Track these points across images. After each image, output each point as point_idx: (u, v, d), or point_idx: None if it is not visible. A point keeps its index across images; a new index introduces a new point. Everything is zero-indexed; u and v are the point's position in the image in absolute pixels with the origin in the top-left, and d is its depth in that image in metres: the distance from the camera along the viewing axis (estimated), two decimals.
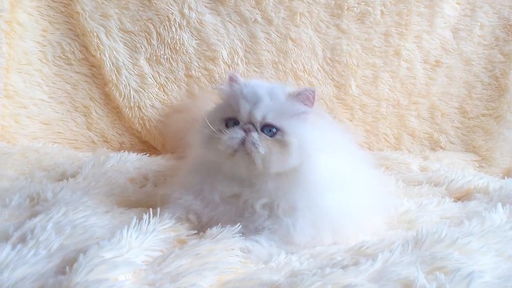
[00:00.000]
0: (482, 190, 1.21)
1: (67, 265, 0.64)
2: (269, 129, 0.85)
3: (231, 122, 0.88)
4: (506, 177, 1.43)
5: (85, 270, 0.61)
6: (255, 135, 0.84)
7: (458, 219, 1.00)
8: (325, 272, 0.68)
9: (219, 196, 0.87)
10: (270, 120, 0.85)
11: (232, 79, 0.92)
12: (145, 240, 0.73)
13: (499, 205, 1.00)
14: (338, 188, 0.88)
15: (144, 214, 0.81)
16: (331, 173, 0.87)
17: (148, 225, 0.77)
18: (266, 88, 0.89)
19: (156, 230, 0.77)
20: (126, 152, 1.34)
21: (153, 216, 0.81)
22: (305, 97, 0.87)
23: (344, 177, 0.89)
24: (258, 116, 0.85)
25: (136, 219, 0.78)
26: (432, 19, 1.63)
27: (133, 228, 0.74)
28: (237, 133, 0.85)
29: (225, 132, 0.85)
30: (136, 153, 1.35)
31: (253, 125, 0.86)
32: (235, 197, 0.87)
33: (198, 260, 0.70)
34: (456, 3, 1.65)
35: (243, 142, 0.84)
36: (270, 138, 0.85)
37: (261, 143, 0.84)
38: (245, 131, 0.85)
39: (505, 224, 0.92)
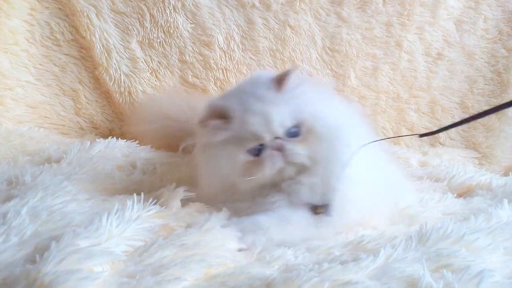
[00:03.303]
0: (485, 186, 1.16)
1: (38, 253, 0.58)
2: (293, 130, 0.80)
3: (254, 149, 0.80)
4: (510, 173, 1.38)
5: (56, 259, 0.54)
6: (289, 147, 0.79)
7: (461, 215, 0.95)
8: (323, 268, 0.62)
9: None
10: (290, 122, 0.79)
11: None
12: (127, 229, 0.66)
13: (505, 201, 0.95)
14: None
15: (128, 200, 0.74)
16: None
17: (131, 211, 0.71)
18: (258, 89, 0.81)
19: (140, 217, 0.71)
20: (114, 138, 1.27)
21: (137, 203, 0.75)
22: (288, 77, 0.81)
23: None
24: (278, 126, 0.79)
25: (119, 205, 0.72)
26: (435, 10, 1.57)
27: (115, 215, 0.68)
28: (274, 160, 0.79)
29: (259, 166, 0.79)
30: (125, 140, 1.29)
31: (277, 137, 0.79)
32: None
33: (183, 251, 0.64)
34: None
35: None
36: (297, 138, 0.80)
37: (298, 149, 0.79)
38: (277, 150, 0.79)
39: None
